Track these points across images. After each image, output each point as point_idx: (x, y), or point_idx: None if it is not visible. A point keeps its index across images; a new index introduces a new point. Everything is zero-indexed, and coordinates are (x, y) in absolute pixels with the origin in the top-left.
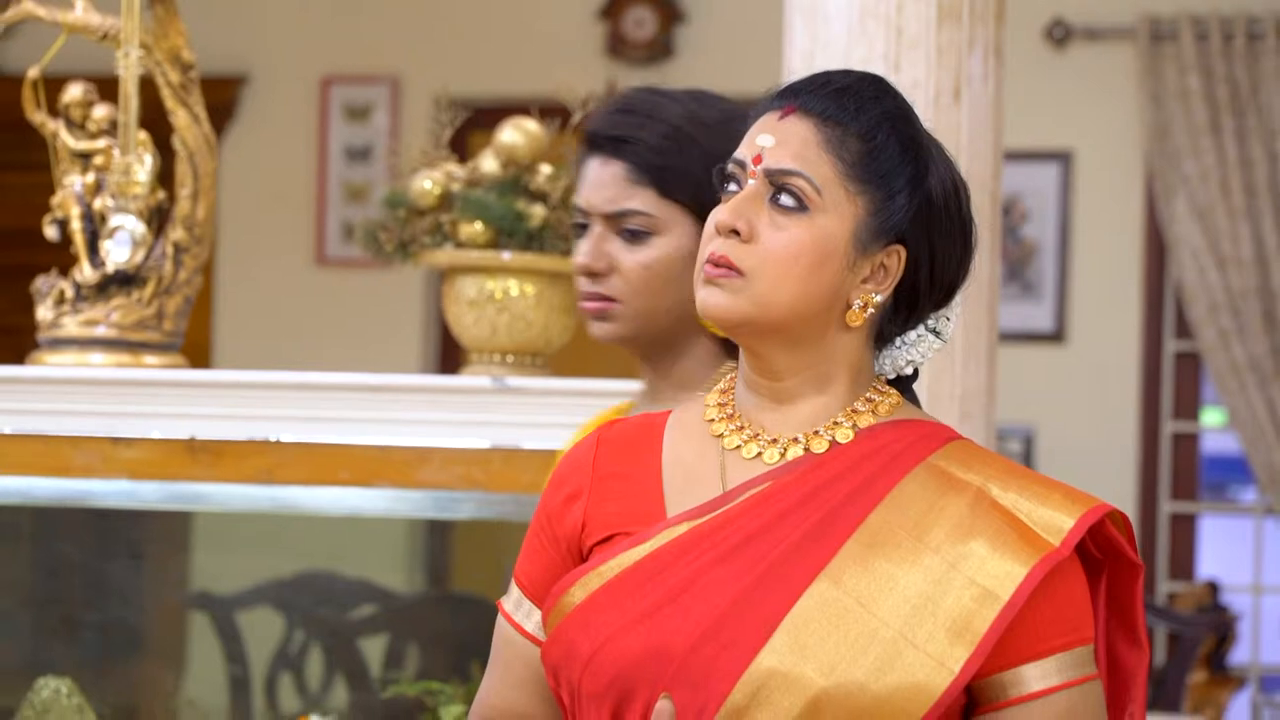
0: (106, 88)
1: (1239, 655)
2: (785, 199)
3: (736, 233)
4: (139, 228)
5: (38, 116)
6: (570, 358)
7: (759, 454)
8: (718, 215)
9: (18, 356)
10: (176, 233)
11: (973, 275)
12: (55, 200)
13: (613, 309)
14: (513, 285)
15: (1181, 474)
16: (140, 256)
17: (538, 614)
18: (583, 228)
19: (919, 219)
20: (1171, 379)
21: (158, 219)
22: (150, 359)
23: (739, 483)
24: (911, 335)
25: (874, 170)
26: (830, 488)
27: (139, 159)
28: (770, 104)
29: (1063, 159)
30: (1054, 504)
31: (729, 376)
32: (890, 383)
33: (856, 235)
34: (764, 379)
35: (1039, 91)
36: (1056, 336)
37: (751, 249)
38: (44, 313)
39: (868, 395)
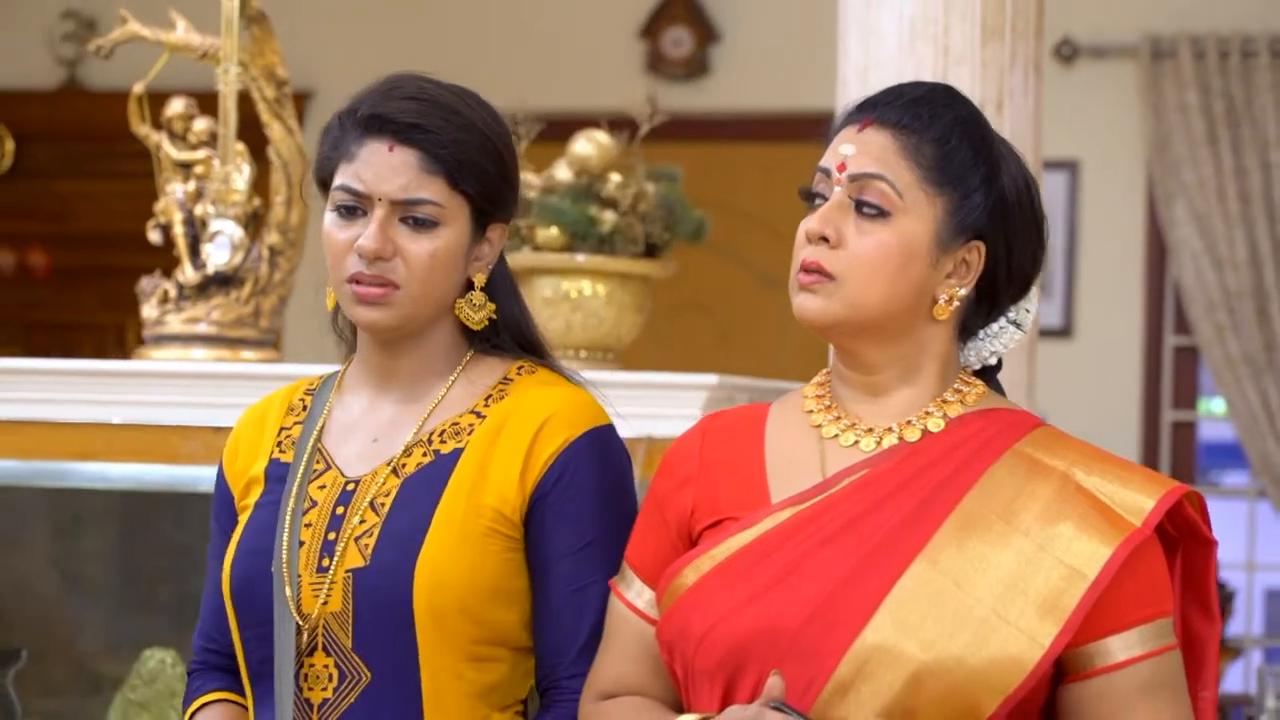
0: (200, 101)
1: (1234, 628)
2: (868, 206)
3: (825, 240)
4: (237, 232)
5: (142, 129)
6: (639, 352)
7: (856, 442)
8: (808, 224)
9: (99, 351)
10: (272, 237)
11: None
12: (158, 206)
13: (392, 295)
14: (586, 285)
15: (1180, 459)
16: (239, 259)
17: (649, 593)
18: (352, 209)
19: (994, 215)
20: (1171, 371)
21: (254, 224)
22: (248, 354)
23: (837, 470)
24: (994, 327)
25: (949, 172)
26: (925, 474)
27: (237, 168)
28: (848, 118)
29: (1070, 168)
30: (1135, 486)
31: (825, 370)
32: (975, 373)
33: (937, 234)
34: (858, 374)
35: (1048, 105)
36: (1064, 332)
37: (840, 254)
38: (149, 311)
39: (956, 386)
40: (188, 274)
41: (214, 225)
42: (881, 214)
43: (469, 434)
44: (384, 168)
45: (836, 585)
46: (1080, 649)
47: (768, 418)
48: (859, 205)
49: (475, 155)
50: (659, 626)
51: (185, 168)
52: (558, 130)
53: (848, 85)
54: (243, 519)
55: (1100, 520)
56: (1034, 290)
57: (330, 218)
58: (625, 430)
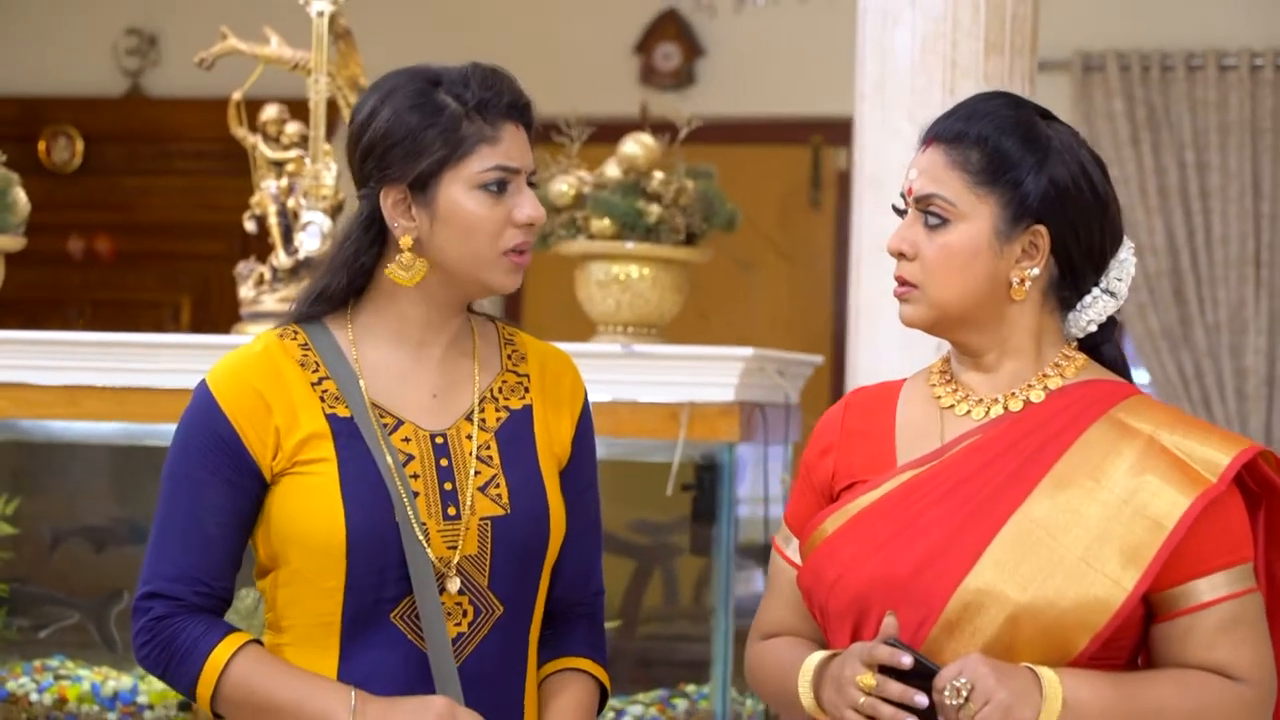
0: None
1: None
2: (931, 218)
3: (903, 255)
4: (326, 222)
5: (239, 131)
6: (679, 328)
7: (968, 412)
8: (888, 243)
9: (157, 326)
10: None
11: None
12: (254, 200)
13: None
14: (634, 269)
15: None
16: (328, 245)
17: (798, 544)
18: (503, 185)
19: (1049, 200)
20: None
21: (337, 215)
22: None
23: (953, 436)
24: (1087, 299)
25: (996, 172)
26: (1026, 439)
27: (326, 166)
28: (920, 140)
29: None
30: (1213, 445)
31: (948, 351)
32: (1082, 345)
33: (995, 228)
34: (967, 355)
35: None
36: None
37: (916, 265)
38: (246, 291)
39: (1056, 361)
40: (281, 259)
41: (305, 216)
42: (943, 223)
43: (526, 391)
44: (524, 145)
45: (946, 537)
46: (1169, 592)
47: (900, 392)
48: (925, 218)
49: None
50: (799, 574)
51: (278, 166)
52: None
53: (865, 97)
54: (325, 471)
55: (1180, 477)
56: (1128, 260)
57: (478, 197)
58: (669, 396)
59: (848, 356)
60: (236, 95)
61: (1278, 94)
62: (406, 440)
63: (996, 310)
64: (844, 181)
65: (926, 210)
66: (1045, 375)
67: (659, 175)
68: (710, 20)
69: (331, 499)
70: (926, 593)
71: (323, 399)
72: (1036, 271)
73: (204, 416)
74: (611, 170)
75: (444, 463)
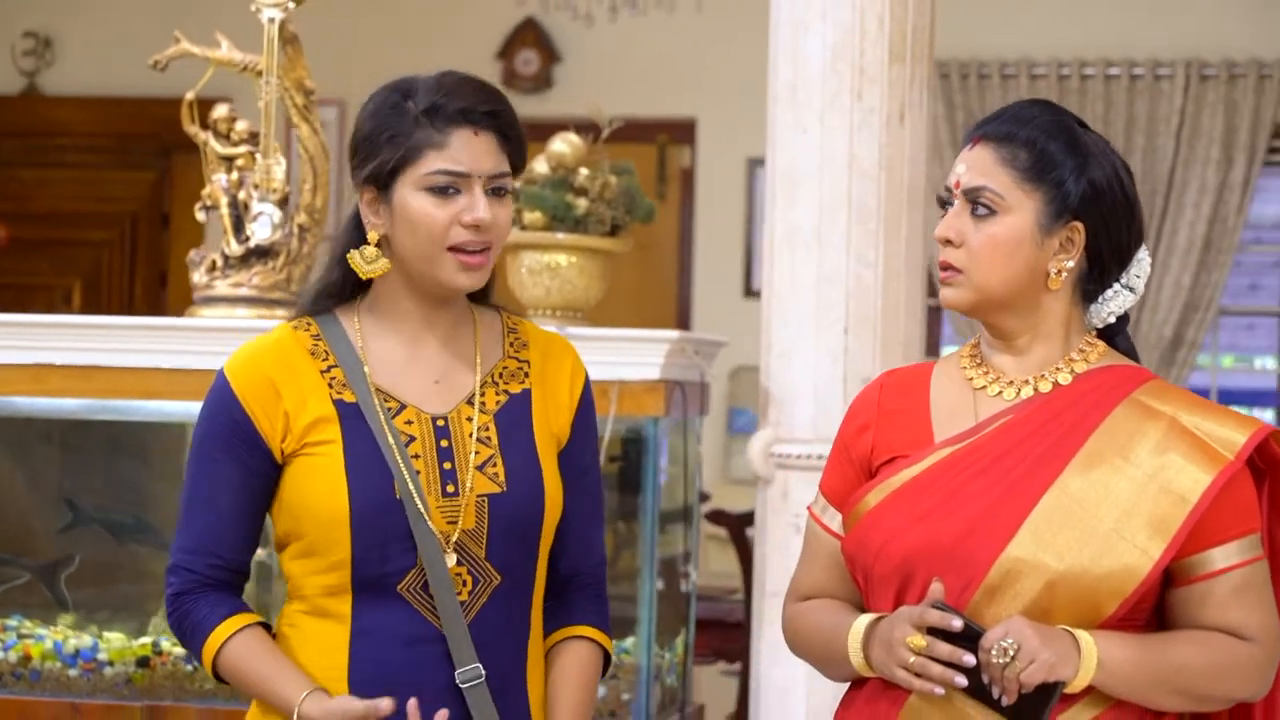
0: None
1: None
2: (980, 209)
3: (950, 242)
4: (277, 213)
5: (192, 128)
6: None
7: (1000, 393)
8: (937, 230)
9: (49, 308)
10: (300, 217)
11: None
12: (205, 192)
13: (488, 259)
14: (562, 258)
15: None
16: (278, 235)
17: (839, 516)
18: (445, 189)
19: (1087, 200)
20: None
21: (285, 206)
22: (281, 312)
23: (986, 415)
24: (1109, 292)
25: (1041, 171)
26: (1057, 419)
27: (277, 161)
28: (965, 139)
29: None
30: (1230, 425)
31: (977, 334)
32: (1100, 334)
33: (1038, 222)
34: (999, 339)
35: None
36: None
37: (962, 251)
38: (198, 277)
39: (1080, 347)
40: (233, 247)
41: (256, 208)
42: (991, 213)
43: (526, 376)
44: (477, 150)
45: (986, 508)
46: (1187, 560)
47: (932, 373)
48: (973, 209)
49: (521, 131)
50: (844, 541)
51: (228, 161)
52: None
53: (777, 100)
54: (331, 452)
55: (1200, 455)
56: (1144, 259)
57: (424, 198)
58: (600, 374)
59: (761, 338)
60: (189, 95)
61: (1083, 99)
62: (409, 423)
63: (1033, 298)
64: (687, 177)
65: (975, 201)
66: (1071, 360)
67: (585, 171)
68: (567, 29)
69: (336, 477)
70: (970, 559)
71: (330, 385)
72: (1072, 264)
73: (220, 402)
74: (540, 167)
75: (444, 443)
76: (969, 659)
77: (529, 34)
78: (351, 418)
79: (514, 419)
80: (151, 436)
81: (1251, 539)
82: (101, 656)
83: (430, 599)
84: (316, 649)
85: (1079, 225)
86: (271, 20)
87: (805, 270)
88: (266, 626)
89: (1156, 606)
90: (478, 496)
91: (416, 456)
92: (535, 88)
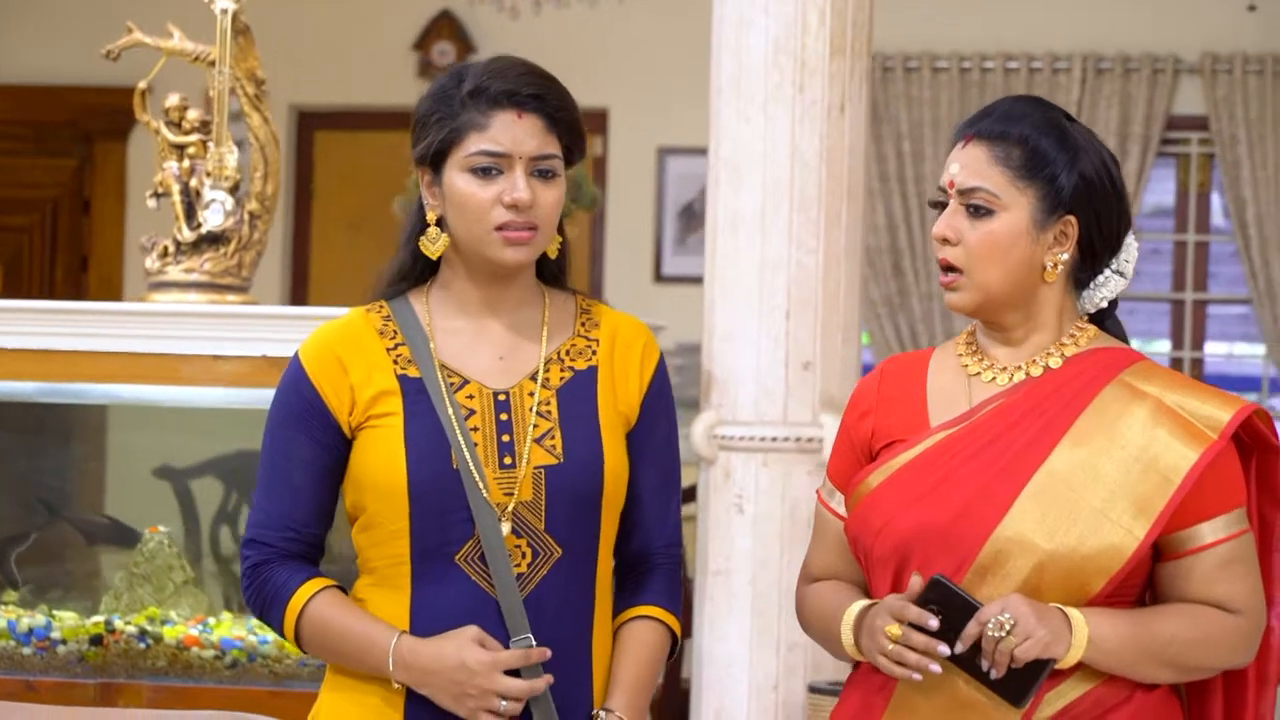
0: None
1: None
2: (975, 209)
3: (948, 241)
4: (229, 200)
5: (145, 117)
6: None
7: (994, 379)
8: (933, 229)
9: None
10: (251, 204)
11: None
12: (157, 179)
13: (534, 237)
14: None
15: None
16: (230, 222)
17: (842, 498)
18: (488, 170)
19: (1079, 193)
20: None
21: (236, 193)
22: (231, 297)
23: (980, 400)
24: (1100, 279)
25: (1035, 168)
26: (1047, 402)
27: (230, 149)
28: (956, 137)
29: None
30: (1214, 404)
31: (973, 324)
32: (1091, 318)
33: (1033, 218)
34: (997, 331)
35: None
36: None
37: (960, 250)
38: (151, 262)
39: (1070, 332)
40: (185, 233)
41: (209, 195)
42: (987, 212)
43: (593, 354)
44: (519, 132)
45: (978, 491)
46: (1175, 535)
47: (930, 361)
48: (968, 208)
49: (575, 114)
50: (846, 523)
51: (179, 149)
52: (355, 120)
53: (720, 92)
54: (392, 424)
55: (1185, 435)
56: (1132, 244)
57: (468, 179)
58: None
59: (704, 319)
60: (142, 84)
61: (983, 93)
62: (470, 398)
63: (1030, 291)
64: (599, 166)
65: (970, 202)
66: (1062, 344)
67: None
68: (482, 21)
69: (396, 448)
70: (962, 540)
71: (395, 362)
72: (1066, 256)
73: (293, 380)
74: None
75: (504, 417)
76: (944, 649)
77: (445, 26)
78: (414, 392)
79: (577, 395)
80: (106, 420)
81: (1238, 513)
82: (55, 635)
83: (487, 569)
84: (382, 619)
85: (1072, 219)
86: (224, 11)
87: (748, 257)
88: (344, 592)
89: (1147, 580)
90: (534, 469)
91: (475, 429)
92: None
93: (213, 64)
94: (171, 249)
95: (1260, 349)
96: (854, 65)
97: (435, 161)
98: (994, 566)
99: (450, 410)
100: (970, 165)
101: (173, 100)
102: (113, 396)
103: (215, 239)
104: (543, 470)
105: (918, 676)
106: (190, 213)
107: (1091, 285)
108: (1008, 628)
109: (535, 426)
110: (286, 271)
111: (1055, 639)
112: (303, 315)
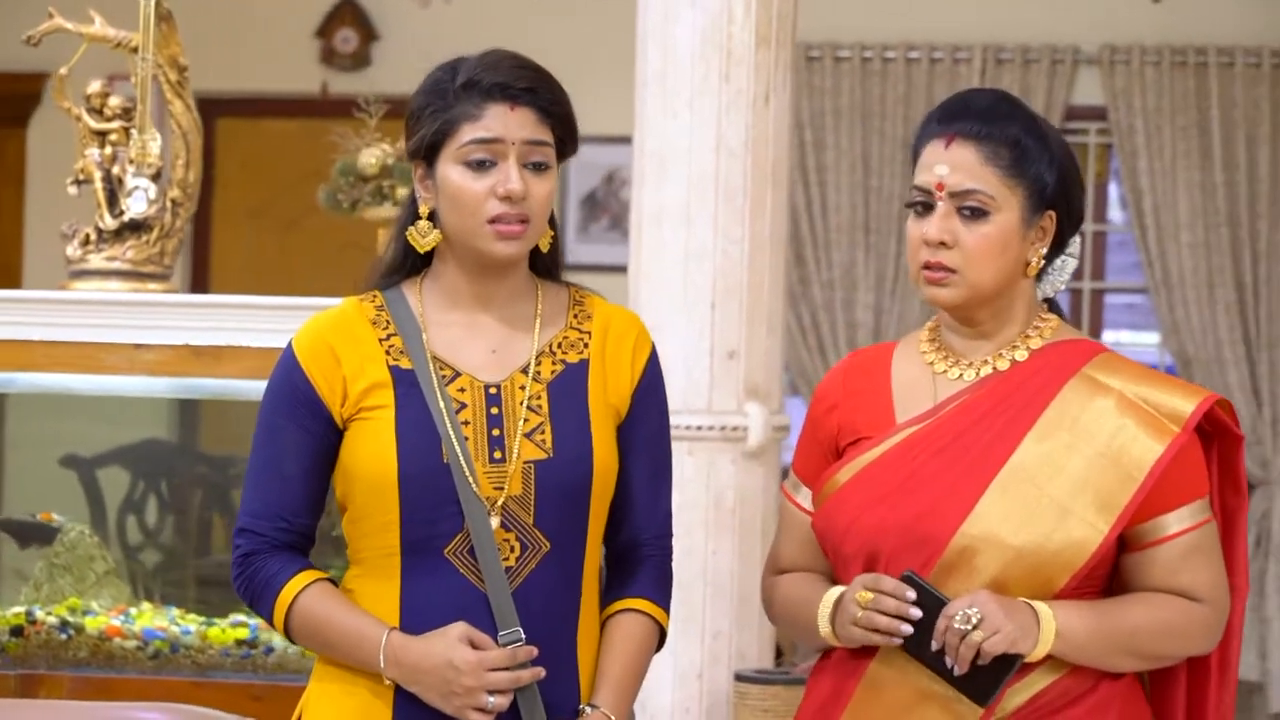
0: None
1: None
2: (970, 211)
3: (943, 244)
4: (152, 187)
5: (65, 103)
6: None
7: (960, 375)
8: (926, 232)
9: None
10: (173, 191)
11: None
12: (78, 166)
13: (526, 230)
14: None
15: None
16: (153, 209)
17: (809, 493)
18: (483, 162)
19: (1058, 190)
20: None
21: (158, 180)
22: (153, 285)
23: (945, 396)
24: (1058, 264)
25: (1023, 168)
26: (1012, 397)
27: (153, 137)
28: (932, 132)
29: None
30: (1177, 396)
31: (935, 318)
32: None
33: (1022, 217)
34: (968, 325)
35: None
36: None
37: (955, 252)
38: (72, 250)
39: (1035, 323)
40: (107, 221)
41: (132, 182)
42: (982, 214)
43: (585, 346)
44: (511, 123)
45: (945, 488)
46: (1140, 526)
47: (893, 355)
48: (961, 210)
49: (568, 108)
50: (814, 519)
51: (101, 135)
52: (257, 107)
53: (646, 84)
54: (383, 416)
55: (1148, 429)
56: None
57: (462, 171)
58: None
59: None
60: (63, 70)
61: (885, 83)
62: (462, 390)
63: (1010, 287)
64: None
65: (963, 204)
66: (1028, 336)
67: None
68: (385, 8)
69: (386, 440)
70: (928, 537)
71: (388, 353)
72: (1045, 250)
73: (286, 370)
74: None
75: (494, 411)
76: (915, 612)
77: (348, 13)
78: (406, 384)
79: (568, 388)
80: (25, 408)
81: (1201, 502)
82: None
83: (475, 563)
84: (371, 611)
85: (1052, 214)
86: None
87: (674, 247)
88: (334, 584)
89: (1112, 571)
90: (524, 463)
91: (466, 423)
92: (354, 66)
93: (135, 50)
94: (93, 237)
95: (1154, 337)
96: (779, 55)
97: (429, 155)
98: (960, 563)
99: (441, 403)
100: (962, 167)
101: (94, 87)
102: (32, 386)
103: (137, 227)
104: (532, 465)
105: (897, 641)
106: (112, 200)
107: (1049, 271)
108: (974, 621)
109: (525, 421)
110: (187, 259)
111: (1023, 634)
112: (226, 304)
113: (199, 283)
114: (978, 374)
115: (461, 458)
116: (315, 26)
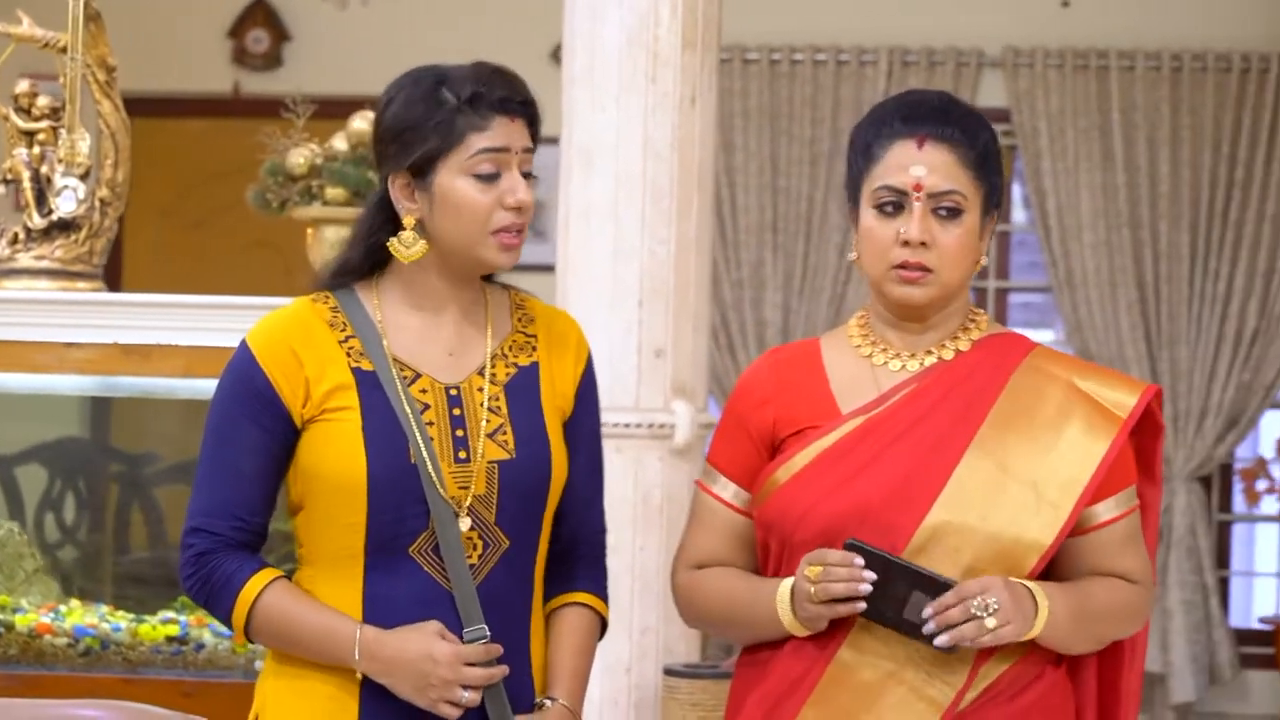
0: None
1: None
2: (946, 211)
3: (924, 244)
4: (81, 187)
5: None
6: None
7: (902, 366)
8: (907, 232)
9: None
10: (102, 191)
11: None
12: (6, 165)
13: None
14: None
15: None
16: (83, 209)
17: (733, 487)
18: (494, 175)
19: (1002, 190)
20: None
21: (86, 179)
22: (82, 284)
23: (889, 386)
24: (983, 260)
25: (987, 169)
26: (962, 385)
27: (82, 136)
28: (896, 132)
29: None
30: (1120, 388)
31: (863, 312)
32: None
33: (983, 216)
34: (912, 320)
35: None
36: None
37: (932, 252)
38: (0, 250)
39: (971, 317)
40: (35, 220)
41: (61, 181)
42: (957, 213)
43: (534, 349)
44: (513, 134)
45: (907, 473)
46: (1084, 511)
47: (821, 349)
48: (936, 210)
49: (540, 122)
50: (762, 511)
51: (29, 135)
52: (168, 107)
53: (574, 81)
54: (349, 418)
55: (1099, 417)
56: None
57: (470, 182)
58: None
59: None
60: None
61: (792, 85)
62: (424, 391)
63: (967, 284)
64: None
65: (939, 205)
66: (967, 329)
67: None
68: (297, 10)
69: (354, 442)
70: (894, 523)
71: (349, 354)
72: (987, 248)
73: (243, 369)
74: (340, 144)
75: (456, 412)
76: (869, 574)
77: (260, 13)
78: (369, 385)
79: (523, 390)
80: None
81: (1129, 491)
82: None
83: (440, 561)
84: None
85: (997, 212)
86: None
87: (601, 246)
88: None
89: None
90: (488, 463)
91: (431, 424)
92: (265, 66)
93: (64, 50)
94: (21, 236)
95: (1050, 335)
96: (704, 58)
97: (421, 167)
98: (928, 547)
99: (406, 405)
100: (938, 168)
101: (22, 86)
102: None
103: (66, 226)
104: (496, 465)
105: (855, 606)
106: (40, 200)
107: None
108: (992, 609)
109: (487, 422)
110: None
111: (1025, 624)
112: (156, 303)
113: (110, 281)
114: (921, 364)
115: (428, 458)
116: (227, 27)
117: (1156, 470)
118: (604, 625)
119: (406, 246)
